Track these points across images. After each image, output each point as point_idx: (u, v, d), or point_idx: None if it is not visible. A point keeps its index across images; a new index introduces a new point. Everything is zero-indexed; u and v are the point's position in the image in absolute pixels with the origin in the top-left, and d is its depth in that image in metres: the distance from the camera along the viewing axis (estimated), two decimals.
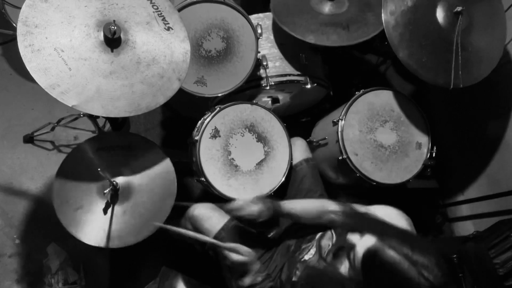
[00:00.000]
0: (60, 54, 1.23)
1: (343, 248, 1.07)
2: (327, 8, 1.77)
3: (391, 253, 0.90)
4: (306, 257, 1.28)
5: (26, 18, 1.21)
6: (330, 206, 1.30)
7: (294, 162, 1.71)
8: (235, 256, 1.31)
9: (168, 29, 1.41)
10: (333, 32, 1.70)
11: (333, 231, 1.27)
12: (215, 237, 1.46)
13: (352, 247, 1.01)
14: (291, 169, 1.70)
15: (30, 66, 1.19)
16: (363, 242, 0.98)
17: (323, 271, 1.16)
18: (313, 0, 1.77)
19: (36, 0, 1.23)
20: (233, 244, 1.33)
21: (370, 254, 0.94)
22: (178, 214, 1.58)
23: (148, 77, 1.35)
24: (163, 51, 1.39)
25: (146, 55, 1.37)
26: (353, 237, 1.01)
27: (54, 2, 1.25)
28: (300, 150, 1.74)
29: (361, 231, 1.00)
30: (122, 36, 1.32)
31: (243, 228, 1.51)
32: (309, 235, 1.36)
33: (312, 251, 1.27)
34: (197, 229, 1.51)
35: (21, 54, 1.18)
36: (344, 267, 1.06)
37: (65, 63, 1.24)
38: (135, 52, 1.35)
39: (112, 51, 1.31)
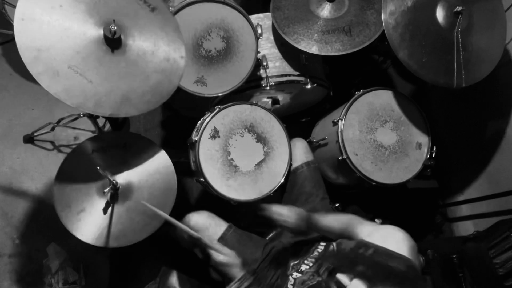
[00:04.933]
0: (76, 70, 1.23)
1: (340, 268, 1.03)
2: (327, 11, 1.76)
3: None
4: (303, 267, 1.26)
5: (25, 44, 1.16)
6: (357, 226, 1.21)
7: (295, 164, 1.69)
8: (217, 256, 1.31)
9: (153, 10, 1.41)
10: (336, 39, 1.71)
11: (335, 244, 1.25)
12: None
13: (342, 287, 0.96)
14: (291, 170, 1.69)
15: (54, 92, 1.18)
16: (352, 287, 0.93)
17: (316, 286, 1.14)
18: (313, 5, 1.77)
19: (23, 22, 1.17)
20: (217, 245, 1.33)
21: None
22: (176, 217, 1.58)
23: (157, 64, 1.38)
24: (159, 34, 1.40)
25: (148, 44, 1.38)
26: (343, 278, 0.96)
27: (43, 19, 1.20)
28: (301, 152, 1.73)
29: (352, 273, 0.95)
30: (121, 34, 1.33)
31: (242, 236, 1.50)
32: (310, 244, 1.35)
33: (310, 262, 1.26)
34: (194, 239, 1.50)
35: (40, 83, 1.16)
36: None
37: (84, 77, 1.24)
38: (138, 44, 1.36)
39: (112, 51, 1.31)
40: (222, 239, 1.45)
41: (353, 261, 0.98)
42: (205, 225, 1.48)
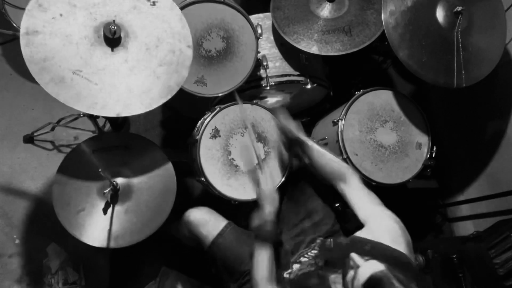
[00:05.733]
0: (80, 74, 1.25)
1: (337, 261, 1.04)
2: (327, 11, 1.77)
3: (397, 286, 0.86)
4: (302, 260, 1.27)
5: (32, 57, 1.20)
6: (349, 183, 1.29)
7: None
8: (263, 185, 1.35)
9: (154, 3, 1.41)
10: (336, 39, 1.71)
11: (331, 240, 1.26)
12: (213, 243, 1.46)
13: (354, 267, 0.97)
14: (291, 169, 1.69)
15: (63, 98, 1.21)
16: (369, 266, 0.94)
17: (311, 275, 1.15)
18: (313, 5, 1.78)
19: (28, 36, 1.21)
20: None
21: (376, 279, 0.90)
22: (176, 217, 1.58)
23: (162, 58, 1.37)
24: (162, 27, 1.40)
25: (150, 39, 1.37)
26: (357, 258, 0.97)
27: (45, 30, 1.23)
28: None
29: (367, 255, 0.97)
30: (122, 33, 1.33)
31: (241, 234, 1.50)
32: (309, 238, 1.35)
33: (308, 255, 1.26)
34: (194, 234, 1.51)
35: (49, 92, 1.19)
36: (334, 277, 1.04)
37: (89, 80, 1.25)
38: (140, 40, 1.36)
39: (112, 50, 1.32)
40: (220, 236, 1.46)
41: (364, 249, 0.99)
42: (205, 220, 1.49)
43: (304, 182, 1.66)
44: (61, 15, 1.26)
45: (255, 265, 1.25)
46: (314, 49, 1.70)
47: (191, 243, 1.60)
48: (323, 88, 1.94)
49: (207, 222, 1.49)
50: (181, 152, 1.83)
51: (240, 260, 1.41)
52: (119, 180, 1.49)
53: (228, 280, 1.45)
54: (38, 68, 1.20)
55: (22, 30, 1.21)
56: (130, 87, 1.30)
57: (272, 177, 1.38)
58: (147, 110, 1.32)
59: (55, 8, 1.26)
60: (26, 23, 1.21)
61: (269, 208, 1.29)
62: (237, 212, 1.59)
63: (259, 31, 1.72)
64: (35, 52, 1.21)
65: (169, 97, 1.35)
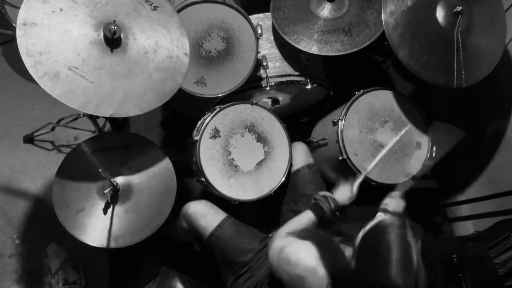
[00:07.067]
0: (76, 71, 1.23)
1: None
2: (327, 11, 1.77)
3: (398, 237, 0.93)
4: None
5: (27, 49, 1.18)
6: None
7: (296, 167, 1.69)
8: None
9: (155, 8, 1.41)
10: (336, 39, 1.71)
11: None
12: (212, 235, 1.46)
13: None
14: (292, 172, 1.69)
15: (56, 94, 1.19)
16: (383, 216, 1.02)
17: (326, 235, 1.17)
18: (313, 5, 1.78)
19: (25, 27, 1.19)
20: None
21: (381, 226, 0.97)
22: (174, 213, 1.58)
23: (160, 63, 1.38)
24: (161, 32, 1.40)
25: (149, 42, 1.38)
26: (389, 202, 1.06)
27: (43, 23, 1.22)
28: (302, 155, 1.72)
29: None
30: (121, 34, 1.32)
31: (240, 226, 1.51)
32: None
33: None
34: (192, 227, 1.51)
35: (42, 86, 1.18)
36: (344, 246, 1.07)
37: (85, 78, 1.24)
38: (139, 43, 1.36)
39: (112, 51, 1.31)
40: (219, 227, 1.46)
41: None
42: (204, 212, 1.50)
43: (305, 183, 1.67)
44: (61, 9, 1.25)
45: (290, 221, 1.29)
46: (314, 49, 1.70)
47: (189, 238, 1.60)
48: (323, 88, 1.94)
49: (206, 214, 1.49)
50: (181, 152, 1.83)
51: (239, 252, 1.41)
52: (119, 180, 1.49)
53: (226, 272, 1.45)
54: (33, 61, 1.18)
55: (19, 21, 1.18)
56: (126, 89, 1.30)
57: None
58: (141, 113, 1.32)
59: (55, 2, 1.24)
60: (25, 14, 1.19)
61: (343, 196, 1.38)
62: (237, 212, 1.60)
63: (259, 31, 1.72)
64: (31, 44, 1.18)
65: (163, 102, 1.35)
